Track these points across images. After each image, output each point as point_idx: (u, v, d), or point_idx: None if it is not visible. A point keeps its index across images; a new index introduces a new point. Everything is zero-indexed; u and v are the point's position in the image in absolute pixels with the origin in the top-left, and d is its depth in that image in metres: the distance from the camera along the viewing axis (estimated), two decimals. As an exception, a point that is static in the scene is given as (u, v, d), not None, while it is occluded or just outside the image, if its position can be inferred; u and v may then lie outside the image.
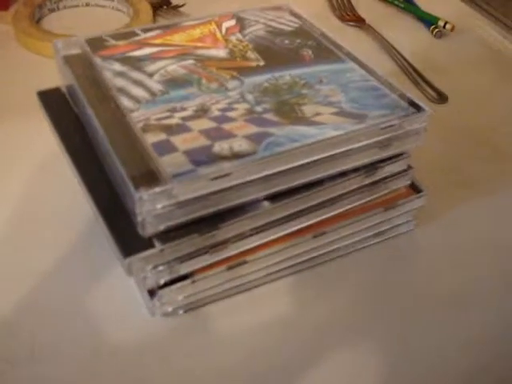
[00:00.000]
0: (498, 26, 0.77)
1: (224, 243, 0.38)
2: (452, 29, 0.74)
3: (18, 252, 0.44)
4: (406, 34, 0.75)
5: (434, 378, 0.39)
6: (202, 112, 0.40)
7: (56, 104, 0.46)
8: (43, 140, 0.48)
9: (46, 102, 0.47)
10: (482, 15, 0.80)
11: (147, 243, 0.36)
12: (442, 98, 0.64)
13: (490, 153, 0.57)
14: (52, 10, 0.71)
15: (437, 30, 0.74)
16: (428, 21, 0.76)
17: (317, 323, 0.41)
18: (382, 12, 0.79)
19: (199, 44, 0.47)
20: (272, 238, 0.40)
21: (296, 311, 0.41)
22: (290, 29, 0.50)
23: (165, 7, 0.70)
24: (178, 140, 0.37)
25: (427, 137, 0.43)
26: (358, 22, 0.75)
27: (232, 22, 0.50)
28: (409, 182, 0.44)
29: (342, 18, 0.76)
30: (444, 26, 0.74)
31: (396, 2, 0.79)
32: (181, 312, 0.40)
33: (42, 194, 0.49)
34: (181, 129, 0.38)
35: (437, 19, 0.75)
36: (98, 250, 0.43)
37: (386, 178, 0.43)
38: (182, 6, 0.71)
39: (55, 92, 0.47)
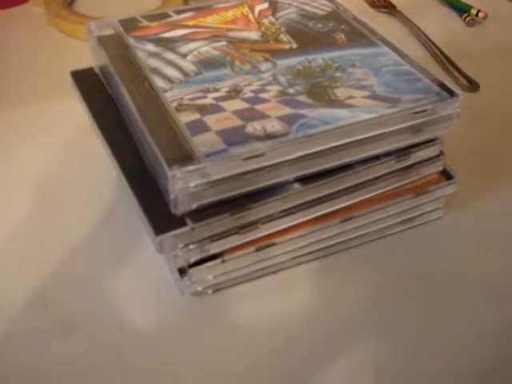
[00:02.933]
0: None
1: (254, 224, 0.38)
2: (484, 17, 0.73)
3: (47, 227, 0.45)
4: (437, 22, 0.74)
5: (458, 369, 0.38)
6: (235, 93, 0.40)
7: (89, 83, 0.46)
8: (76, 119, 0.48)
9: (79, 81, 0.47)
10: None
11: (179, 221, 0.36)
12: (473, 85, 0.63)
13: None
14: (84, -7, 0.71)
15: (469, 18, 0.73)
16: (461, 9, 0.75)
17: (341, 309, 0.41)
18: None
19: (232, 26, 0.47)
20: (301, 220, 0.40)
21: (321, 296, 0.42)
22: (322, 12, 0.50)
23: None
24: (211, 120, 0.38)
25: (460, 124, 0.42)
26: (389, 8, 0.75)
27: (265, 5, 0.50)
28: (441, 169, 0.44)
29: (373, 5, 0.76)
30: (476, 14, 0.73)
31: (428, -11, 0.78)
32: (210, 292, 0.41)
33: (73, 170, 0.50)
34: (214, 109, 0.38)
35: (469, 7, 0.74)
36: (129, 226, 0.43)
37: (417, 163, 0.43)
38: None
39: (88, 72, 0.47)
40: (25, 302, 0.40)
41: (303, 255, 0.42)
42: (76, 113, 0.46)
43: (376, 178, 0.41)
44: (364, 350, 0.39)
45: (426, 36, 0.69)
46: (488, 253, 0.45)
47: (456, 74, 0.64)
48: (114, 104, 0.44)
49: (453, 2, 0.76)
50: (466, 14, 0.74)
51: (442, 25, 0.73)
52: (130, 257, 0.43)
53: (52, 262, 0.42)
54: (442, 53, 0.67)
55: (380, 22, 0.73)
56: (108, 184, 0.45)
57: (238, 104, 0.39)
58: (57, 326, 0.39)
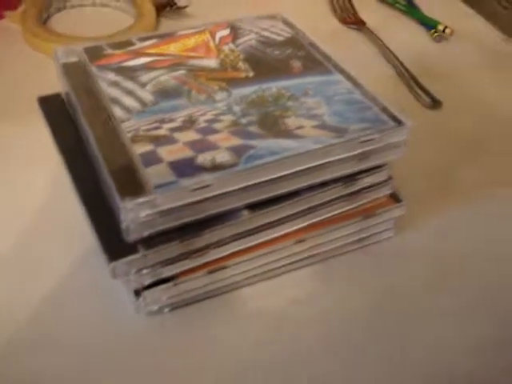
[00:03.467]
0: (497, 30, 0.78)
1: (204, 249, 0.40)
2: (451, 33, 0.75)
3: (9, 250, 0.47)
4: (406, 38, 0.76)
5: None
6: (190, 123, 0.42)
7: (55, 110, 0.48)
8: (42, 143, 0.50)
9: (45, 107, 0.49)
10: (484, 18, 0.80)
11: (132, 248, 0.38)
12: (436, 103, 0.65)
13: (479, 159, 0.58)
14: (59, 10, 0.73)
15: (436, 34, 0.75)
16: (428, 25, 0.77)
17: (293, 329, 0.43)
18: (385, 15, 0.80)
19: (192, 54, 0.49)
20: (251, 244, 0.42)
21: (277, 313, 0.44)
22: (281, 38, 0.52)
23: (169, 8, 0.72)
24: (164, 151, 0.39)
25: (416, 142, 0.44)
26: (359, 24, 0.77)
27: (226, 31, 0.52)
28: (389, 192, 0.46)
29: (343, 21, 0.78)
30: (443, 31, 0.75)
31: (398, 5, 0.80)
32: (166, 310, 0.43)
33: (37, 194, 0.51)
34: (167, 140, 0.40)
35: (437, 23, 0.76)
36: (87, 248, 0.45)
37: (365, 188, 0.44)
38: (186, 7, 0.73)
39: (55, 98, 0.49)
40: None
41: (257, 275, 0.44)
42: (44, 136, 0.48)
43: (324, 203, 0.43)
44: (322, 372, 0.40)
45: (392, 53, 0.71)
46: (438, 271, 0.47)
47: (419, 91, 0.66)
48: (78, 132, 0.45)
49: (421, 17, 0.78)
50: (433, 31, 0.76)
51: (409, 41, 0.75)
52: (88, 276, 0.44)
53: (7, 283, 0.44)
54: (406, 70, 0.69)
55: (349, 39, 0.75)
56: (72, 210, 0.46)
57: (190, 135, 0.41)
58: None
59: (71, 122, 0.46)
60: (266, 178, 0.39)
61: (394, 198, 0.47)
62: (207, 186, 0.37)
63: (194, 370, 0.40)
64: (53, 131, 0.46)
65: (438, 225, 0.51)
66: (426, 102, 0.65)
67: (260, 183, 0.39)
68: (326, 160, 0.41)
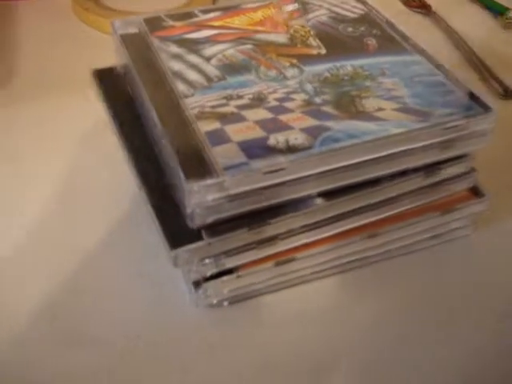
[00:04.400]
0: None
1: (273, 239, 0.37)
2: (523, 20, 0.70)
3: (61, 232, 0.44)
4: (473, 23, 0.71)
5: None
6: (259, 101, 0.39)
7: (110, 84, 0.45)
8: (94, 117, 0.47)
9: (100, 81, 0.46)
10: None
11: (195, 235, 0.35)
12: (508, 94, 0.60)
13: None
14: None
15: (508, 20, 0.70)
16: (496, 10, 0.72)
17: (362, 323, 0.40)
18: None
19: (259, 28, 0.46)
20: (323, 236, 0.39)
21: (342, 310, 0.40)
22: (354, 15, 0.48)
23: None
24: (232, 130, 0.36)
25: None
26: (424, 8, 0.72)
27: (294, 6, 0.48)
28: (471, 185, 0.42)
29: (407, 4, 0.73)
30: (513, 17, 0.70)
31: (465, -11, 0.76)
32: (225, 304, 0.40)
33: (90, 173, 0.48)
34: (236, 118, 0.37)
35: (505, 9, 0.71)
36: (145, 236, 0.42)
37: (446, 179, 0.41)
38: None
39: (110, 71, 0.46)
40: (35, 310, 0.39)
41: (326, 270, 0.41)
42: (95, 110, 0.45)
43: (403, 194, 0.40)
44: (382, 368, 0.37)
45: (461, 38, 0.66)
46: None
47: (491, 80, 0.62)
48: (135, 106, 0.42)
49: (489, 3, 0.74)
50: (503, 17, 0.71)
51: (477, 27, 0.71)
52: (147, 263, 0.42)
53: (64, 269, 0.41)
54: (477, 57, 0.64)
55: (414, 23, 0.70)
56: (126, 190, 0.43)
57: (261, 113, 0.37)
58: (67, 336, 0.38)
59: (128, 97, 0.43)
60: (344, 164, 0.36)
61: (475, 192, 0.43)
62: (281, 170, 0.34)
63: (250, 368, 0.37)
64: (108, 106, 0.44)
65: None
66: (498, 92, 0.60)
67: (337, 169, 0.36)
68: (410, 146, 0.37)
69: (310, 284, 0.41)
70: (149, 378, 0.36)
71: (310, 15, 0.47)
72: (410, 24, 0.70)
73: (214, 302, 0.39)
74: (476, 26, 0.71)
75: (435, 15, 0.71)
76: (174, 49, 0.42)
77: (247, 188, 0.34)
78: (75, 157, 0.49)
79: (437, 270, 0.43)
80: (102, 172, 0.48)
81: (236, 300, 0.40)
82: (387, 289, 0.42)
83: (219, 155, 0.34)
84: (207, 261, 0.36)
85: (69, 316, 0.39)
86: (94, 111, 0.45)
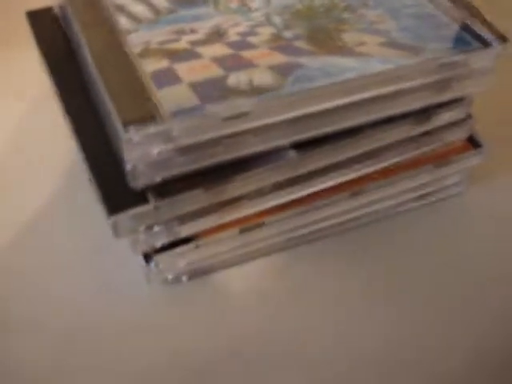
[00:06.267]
0: None
1: (236, 201, 0.32)
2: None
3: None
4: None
5: (470, 352, 0.34)
6: (217, 36, 0.34)
7: (47, 27, 0.39)
8: (31, 68, 0.41)
9: (35, 24, 0.40)
10: None
11: (141, 198, 0.30)
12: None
13: None
14: None
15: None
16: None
17: (343, 293, 0.36)
18: None
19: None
20: (297, 196, 0.34)
21: (318, 283, 0.36)
22: None
23: None
24: (183, 68, 0.31)
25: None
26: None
27: None
28: (467, 134, 0.38)
29: None
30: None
31: None
32: (184, 279, 0.35)
33: (29, 133, 0.43)
34: (188, 55, 0.32)
35: None
36: (87, 201, 0.36)
37: (440, 127, 0.37)
38: None
39: (47, 13, 0.40)
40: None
41: (299, 237, 0.36)
42: (34, 62, 0.39)
43: (390, 145, 0.35)
44: (366, 340, 0.33)
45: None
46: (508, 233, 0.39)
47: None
48: (73, 51, 0.36)
49: None
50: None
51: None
52: (90, 236, 0.37)
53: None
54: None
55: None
56: (69, 149, 0.38)
57: (219, 49, 0.33)
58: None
59: (66, 40, 0.37)
60: (321, 108, 0.31)
61: (471, 142, 0.39)
62: (243, 115, 0.29)
63: (214, 356, 0.32)
64: (43, 52, 0.38)
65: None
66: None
67: (312, 114, 0.31)
68: (398, 87, 0.33)
69: (282, 254, 0.37)
70: (91, 365, 0.32)
71: None
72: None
73: (170, 277, 0.34)
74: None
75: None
76: (117, -21, 0.36)
77: (201, 138, 0.29)
78: (16, 115, 0.45)
79: (427, 234, 0.39)
80: (44, 132, 0.43)
81: (196, 274, 0.35)
82: (371, 258, 0.38)
83: (166, 98, 0.29)
84: (156, 229, 0.31)
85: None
86: (35, 61, 0.39)
